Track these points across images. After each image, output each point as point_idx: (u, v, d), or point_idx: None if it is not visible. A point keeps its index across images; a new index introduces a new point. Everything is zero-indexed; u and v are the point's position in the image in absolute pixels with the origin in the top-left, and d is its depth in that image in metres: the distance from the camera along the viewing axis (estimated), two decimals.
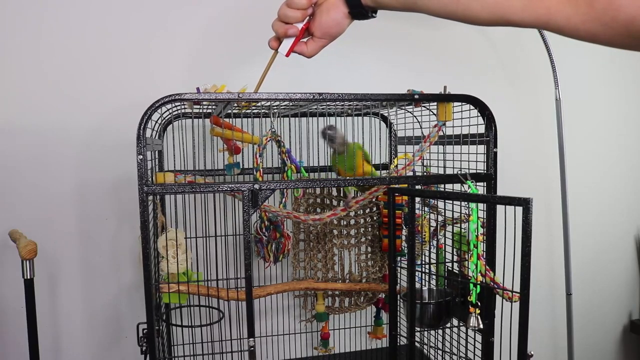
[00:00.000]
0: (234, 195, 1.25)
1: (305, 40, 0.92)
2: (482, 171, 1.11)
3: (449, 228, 1.23)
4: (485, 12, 0.66)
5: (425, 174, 1.31)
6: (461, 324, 1.18)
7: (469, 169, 1.13)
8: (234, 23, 1.56)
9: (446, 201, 1.21)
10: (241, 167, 1.31)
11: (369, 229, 1.35)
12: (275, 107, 1.22)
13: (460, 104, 1.12)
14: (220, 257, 1.17)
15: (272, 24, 0.89)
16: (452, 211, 1.20)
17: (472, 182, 1.05)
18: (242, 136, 1.25)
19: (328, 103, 1.13)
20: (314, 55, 0.92)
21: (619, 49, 0.58)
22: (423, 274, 1.21)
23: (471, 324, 0.99)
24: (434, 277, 1.25)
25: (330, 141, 1.20)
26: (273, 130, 1.29)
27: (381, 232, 1.33)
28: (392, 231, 1.18)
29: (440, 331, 1.26)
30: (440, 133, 1.15)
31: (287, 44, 0.90)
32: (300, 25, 0.87)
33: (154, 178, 1.13)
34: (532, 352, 0.92)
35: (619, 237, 2.02)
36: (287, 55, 0.91)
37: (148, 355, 1.04)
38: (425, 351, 1.33)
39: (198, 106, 1.17)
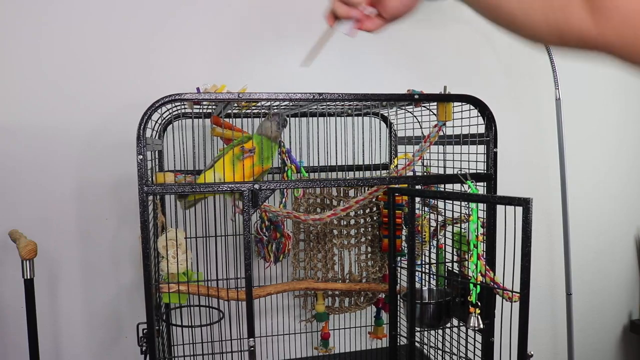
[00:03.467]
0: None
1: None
2: (482, 171, 1.11)
3: (449, 228, 1.23)
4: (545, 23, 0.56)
5: (425, 174, 1.31)
6: (461, 324, 1.17)
7: (469, 169, 1.13)
8: (234, 23, 1.56)
9: (446, 201, 1.20)
10: None
11: (369, 229, 1.35)
12: (275, 107, 1.22)
13: (460, 104, 1.12)
14: (220, 257, 1.16)
15: (332, 2, 0.77)
16: (452, 211, 1.20)
17: (472, 182, 1.05)
18: (242, 136, 1.25)
19: (328, 103, 1.13)
20: (377, 31, 0.80)
21: None
22: (423, 274, 1.21)
23: (471, 324, 0.99)
24: (434, 277, 1.24)
25: (281, 125, 1.19)
26: None
27: (381, 232, 1.33)
28: (392, 231, 1.18)
29: (440, 331, 1.26)
30: (440, 133, 1.15)
31: (347, 23, 0.78)
32: (366, 11, 0.76)
33: (154, 178, 1.13)
34: (532, 352, 0.92)
35: (619, 237, 2.02)
36: (351, 35, 0.79)
37: (148, 355, 1.04)
38: (425, 351, 1.33)
39: (198, 106, 1.17)
